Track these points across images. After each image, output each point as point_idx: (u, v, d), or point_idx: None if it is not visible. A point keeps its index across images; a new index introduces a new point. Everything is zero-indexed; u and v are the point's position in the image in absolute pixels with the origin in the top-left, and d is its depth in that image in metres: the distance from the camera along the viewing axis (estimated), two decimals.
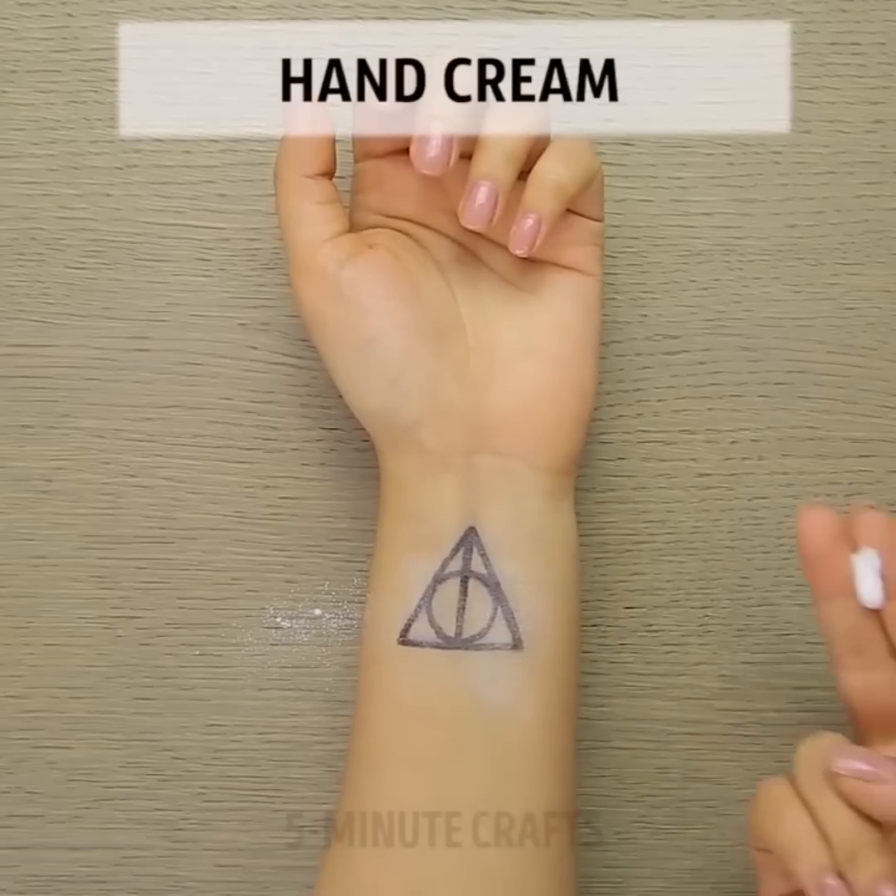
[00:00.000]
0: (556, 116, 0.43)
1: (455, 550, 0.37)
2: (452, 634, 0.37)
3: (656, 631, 0.45)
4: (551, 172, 0.35)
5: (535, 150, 0.35)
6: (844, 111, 0.44)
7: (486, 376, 0.38)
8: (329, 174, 0.37)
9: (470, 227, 0.35)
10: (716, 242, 0.44)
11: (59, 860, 0.45)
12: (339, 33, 0.43)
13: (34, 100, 0.43)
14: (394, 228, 0.39)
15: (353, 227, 0.38)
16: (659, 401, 0.44)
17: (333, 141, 0.37)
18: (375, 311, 0.36)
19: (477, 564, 0.37)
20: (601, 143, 0.43)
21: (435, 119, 0.34)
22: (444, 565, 0.37)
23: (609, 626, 0.45)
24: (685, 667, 0.45)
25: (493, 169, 0.34)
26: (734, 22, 0.43)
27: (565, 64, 0.43)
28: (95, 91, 0.43)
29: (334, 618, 0.44)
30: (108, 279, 0.43)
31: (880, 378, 0.45)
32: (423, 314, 0.37)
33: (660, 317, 0.44)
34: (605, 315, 0.43)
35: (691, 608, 0.45)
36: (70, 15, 0.43)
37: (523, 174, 0.35)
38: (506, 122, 0.35)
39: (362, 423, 0.38)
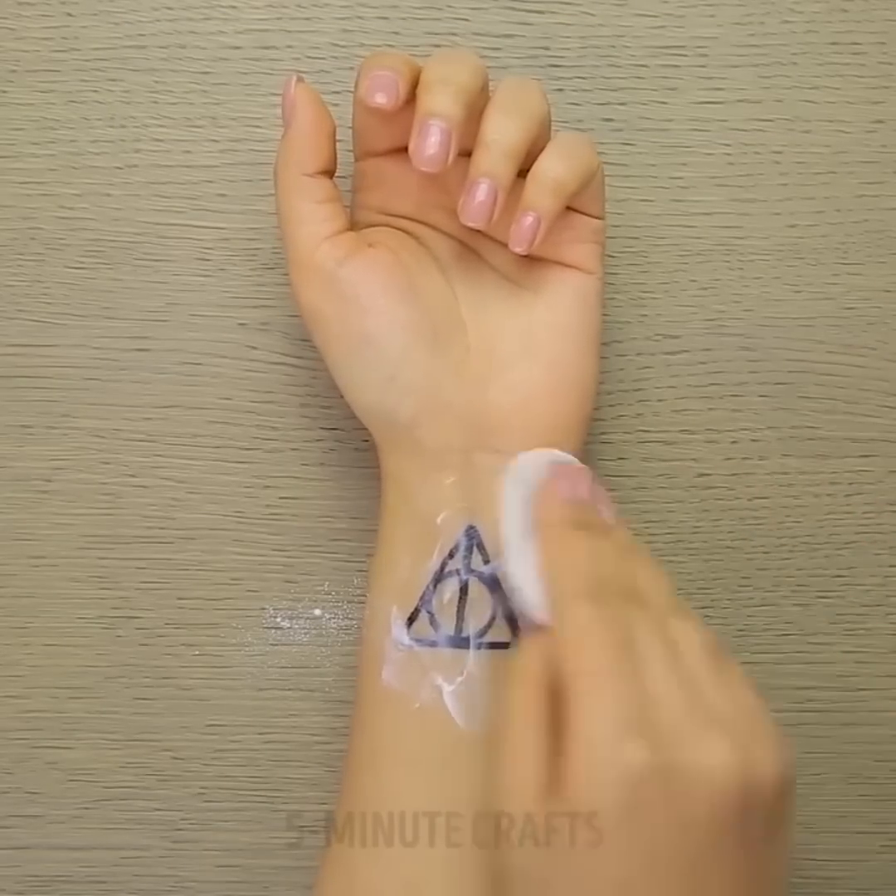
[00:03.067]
0: (557, 115, 0.43)
1: (455, 549, 0.37)
2: (453, 633, 0.37)
3: None
4: (551, 170, 0.35)
5: (536, 147, 0.35)
6: (844, 111, 0.44)
7: (485, 374, 0.38)
8: (329, 173, 0.37)
9: (469, 224, 0.35)
10: (716, 242, 0.44)
11: (59, 860, 0.45)
12: (339, 33, 0.43)
13: (34, 100, 0.43)
14: (395, 227, 0.39)
15: (354, 226, 0.38)
16: (659, 401, 0.44)
17: (333, 139, 0.37)
18: (373, 309, 0.36)
19: (477, 563, 0.37)
20: (601, 143, 0.43)
21: (433, 116, 0.34)
22: (444, 564, 0.37)
23: None
24: None
25: (492, 167, 0.34)
26: (734, 22, 0.43)
27: (565, 64, 0.43)
28: (95, 91, 0.43)
29: (334, 618, 0.44)
30: (108, 279, 0.43)
31: (880, 378, 0.45)
32: (421, 312, 0.37)
33: (660, 317, 0.44)
34: (605, 315, 0.43)
35: (691, 608, 0.45)
36: (70, 15, 0.43)
37: (524, 172, 0.35)
38: (505, 119, 0.35)
39: (361, 420, 0.39)
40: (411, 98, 0.35)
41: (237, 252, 0.44)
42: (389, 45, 0.43)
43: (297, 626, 0.44)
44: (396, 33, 0.43)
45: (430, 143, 0.34)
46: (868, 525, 0.45)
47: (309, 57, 0.43)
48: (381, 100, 0.34)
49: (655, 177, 0.44)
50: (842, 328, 0.44)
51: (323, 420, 0.44)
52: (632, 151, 0.44)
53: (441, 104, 0.34)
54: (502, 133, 0.34)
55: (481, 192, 0.34)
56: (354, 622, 0.44)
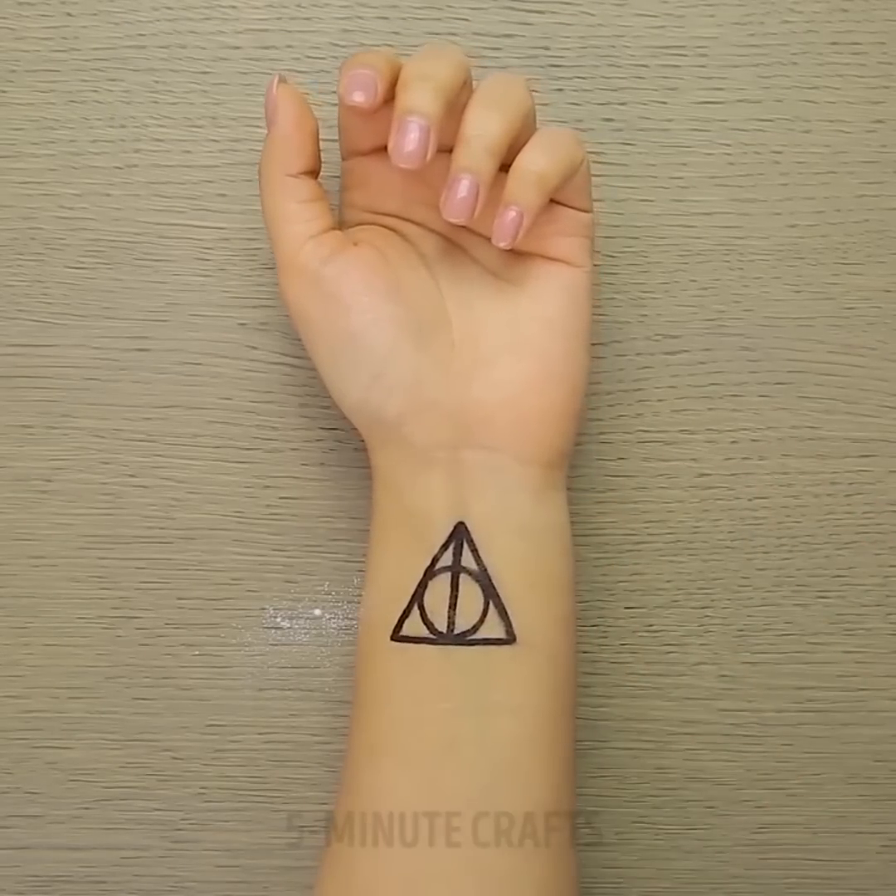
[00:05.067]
0: (558, 115, 0.43)
1: (445, 546, 0.37)
2: (444, 630, 0.37)
3: (656, 631, 0.45)
4: (533, 164, 0.35)
5: (519, 141, 0.35)
6: (844, 111, 0.44)
7: (471, 370, 0.38)
8: (313, 172, 0.37)
9: (451, 220, 0.35)
10: (716, 242, 0.44)
11: (59, 860, 0.45)
12: (338, 33, 0.43)
13: (34, 100, 0.43)
14: (381, 225, 0.39)
15: (342, 225, 0.39)
16: (659, 401, 0.44)
17: (316, 139, 0.37)
18: (357, 306, 0.36)
19: (467, 559, 0.37)
20: (601, 143, 0.43)
21: (411, 113, 0.33)
22: (434, 561, 0.37)
23: (609, 626, 0.45)
24: (685, 667, 0.45)
25: (473, 162, 0.34)
26: (734, 22, 0.43)
27: (565, 64, 0.43)
28: (95, 91, 0.43)
29: (334, 618, 0.45)
30: (108, 279, 0.43)
31: (880, 378, 0.45)
32: (405, 310, 0.37)
33: (660, 317, 0.44)
34: (605, 315, 0.43)
35: (691, 608, 0.45)
36: (70, 15, 0.43)
37: (508, 166, 0.35)
38: (487, 114, 0.34)
39: (349, 419, 0.38)
40: (393, 96, 0.34)
41: (237, 252, 0.44)
42: (389, 45, 0.43)
43: (297, 626, 0.44)
44: (396, 33, 0.43)
45: (409, 139, 0.33)
46: (868, 525, 0.45)
47: (309, 57, 0.43)
48: (359, 98, 0.34)
49: (655, 177, 0.44)
50: (842, 328, 0.44)
51: (323, 420, 0.44)
52: (632, 151, 0.44)
53: (419, 101, 0.33)
54: (483, 128, 0.34)
55: (462, 188, 0.34)
56: (354, 622, 0.44)
